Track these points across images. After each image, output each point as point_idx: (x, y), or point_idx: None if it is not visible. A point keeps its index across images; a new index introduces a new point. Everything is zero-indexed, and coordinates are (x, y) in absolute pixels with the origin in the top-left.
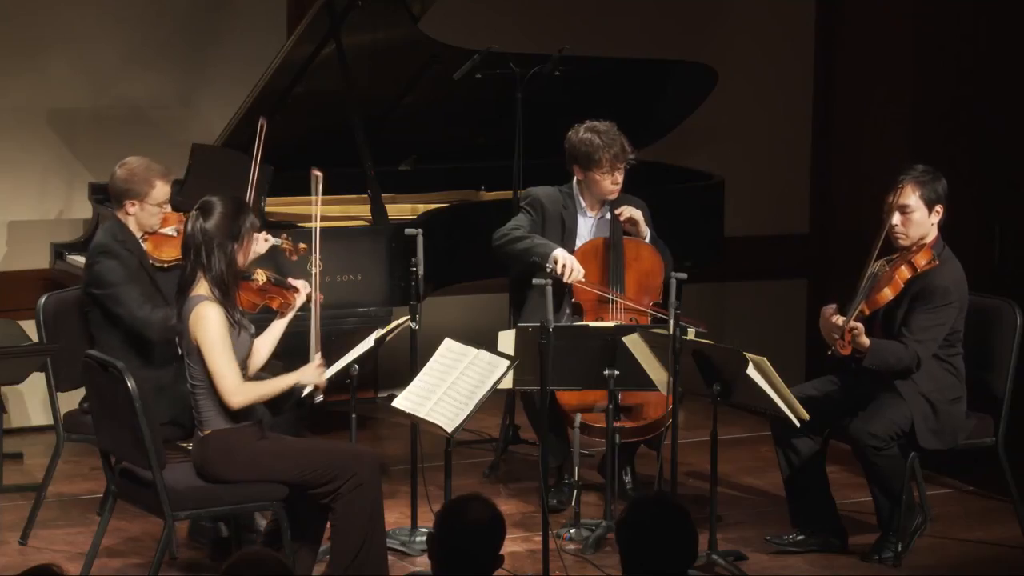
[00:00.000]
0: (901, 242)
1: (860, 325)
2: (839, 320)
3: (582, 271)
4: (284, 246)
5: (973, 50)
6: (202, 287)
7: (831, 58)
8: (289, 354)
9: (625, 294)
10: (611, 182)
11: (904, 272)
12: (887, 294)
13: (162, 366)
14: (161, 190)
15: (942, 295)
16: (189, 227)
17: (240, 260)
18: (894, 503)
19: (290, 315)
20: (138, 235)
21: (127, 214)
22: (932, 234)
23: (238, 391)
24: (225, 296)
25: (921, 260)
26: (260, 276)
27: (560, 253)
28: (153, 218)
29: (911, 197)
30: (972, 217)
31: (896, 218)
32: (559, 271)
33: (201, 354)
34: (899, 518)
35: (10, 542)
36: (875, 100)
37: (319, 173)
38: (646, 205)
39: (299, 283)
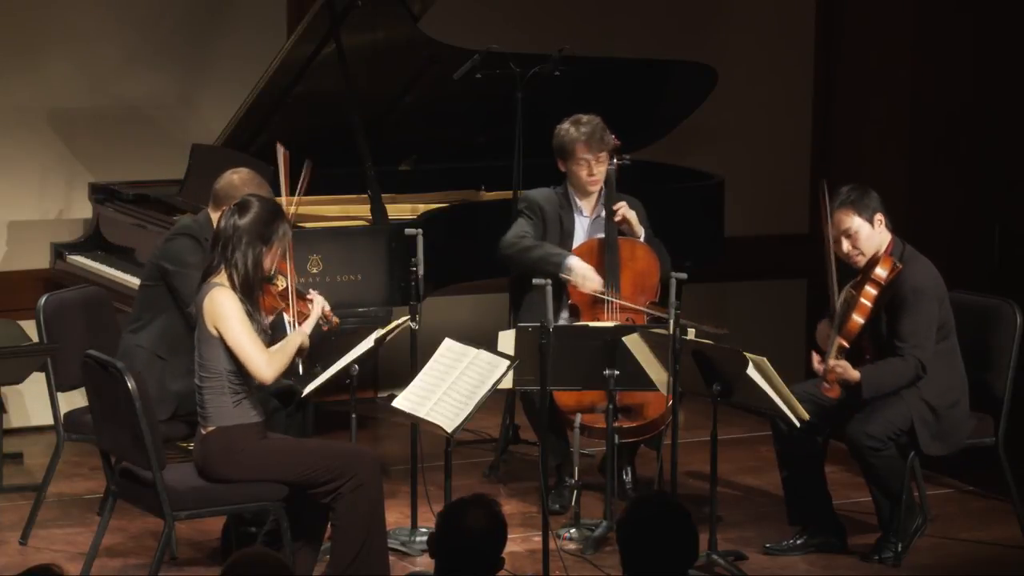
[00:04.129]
0: (860, 263)
1: (843, 363)
2: (819, 368)
3: (599, 281)
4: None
5: (973, 50)
6: (220, 278)
7: (831, 58)
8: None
9: (621, 294)
10: (587, 173)
11: (869, 292)
12: (857, 321)
13: None
14: None
15: (914, 294)
16: (223, 222)
17: (266, 264)
18: (894, 503)
19: (307, 326)
20: None
21: None
22: (885, 241)
23: (269, 364)
24: (248, 296)
25: (882, 273)
26: (280, 282)
27: (575, 262)
28: None
29: (847, 221)
30: (972, 217)
31: (845, 245)
32: (575, 280)
33: (213, 342)
34: (899, 518)
35: (10, 542)
36: (875, 100)
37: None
38: (641, 204)
39: (315, 296)
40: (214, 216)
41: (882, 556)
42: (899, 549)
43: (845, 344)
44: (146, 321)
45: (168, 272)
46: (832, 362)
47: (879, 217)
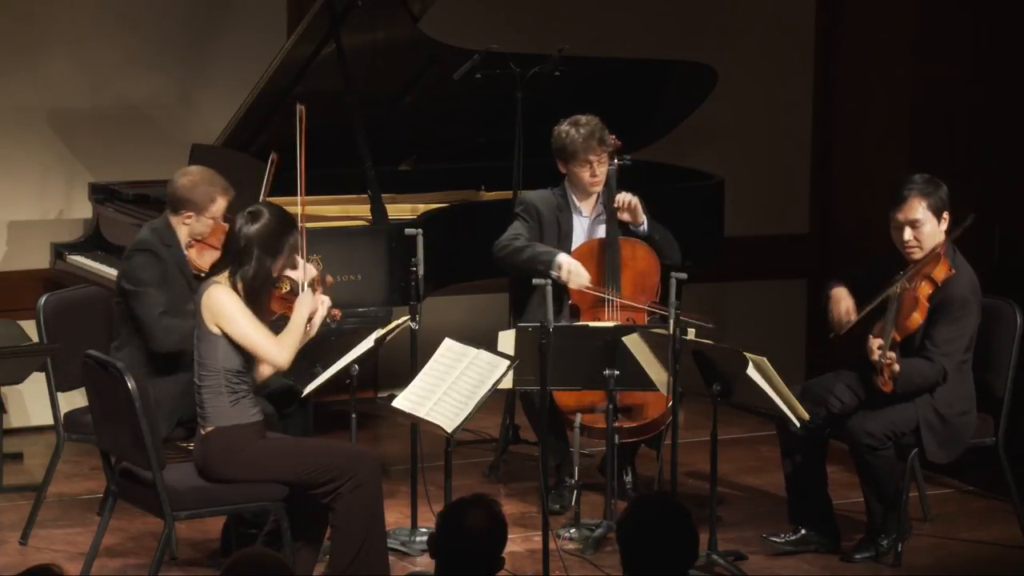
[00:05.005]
0: (915, 256)
1: (893, 356)
2: (875, 346)
3: (587, 277)
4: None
5: (973, 50)
6: (221, 277)
7: (831, 58)
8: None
9: (621, 294)
10: (590, 174)
11: (926, 289)
12: (916, 319)
13: (189, 368)
14: (220, 205)
15: (961, 305)
16: (235, 228)
17: (274, 274)
18: (886, 506)
19: (312, 324)
20: (184, 241)
21: (182, 223)
22: (940, 240)
23: (280, 350)
24: (254, 303)
25: (940, 273)
26: (284, 285)
27: (564, 258)
28: (205, 227)
29: (918, 210)
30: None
31: (908, 233)
32: (564, 277)
33: (212, 339)
34: (895, 520)
35: (10, 542)
36: (875, 100)
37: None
38: (639, 200)
39: (322, 298)
40: (173, 220)
41: (880, 554)
42: (898, 549)
43: (898, 338)
44: (124, 339)
45: (127, 292)
46: (890, 354)
47: (946, 215)
